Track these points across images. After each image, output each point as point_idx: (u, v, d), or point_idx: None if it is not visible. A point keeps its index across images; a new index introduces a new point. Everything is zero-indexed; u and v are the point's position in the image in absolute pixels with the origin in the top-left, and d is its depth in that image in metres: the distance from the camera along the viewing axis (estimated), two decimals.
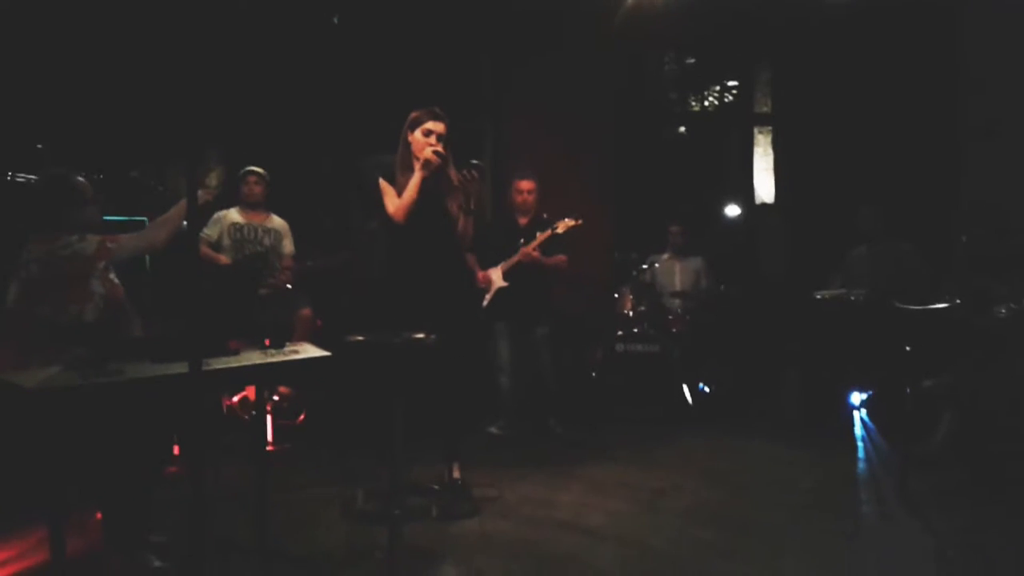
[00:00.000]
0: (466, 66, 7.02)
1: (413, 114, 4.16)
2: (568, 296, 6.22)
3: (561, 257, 5.59)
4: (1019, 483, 4.12)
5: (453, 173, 4.10)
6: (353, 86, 6.47)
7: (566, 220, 5.45)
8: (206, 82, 5.99)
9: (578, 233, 5.49)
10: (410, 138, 4.13)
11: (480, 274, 5.61)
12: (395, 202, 4.09)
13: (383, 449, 3.88)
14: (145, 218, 5.72)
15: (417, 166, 4.04)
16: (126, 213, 5.55)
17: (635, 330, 6.29)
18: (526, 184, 5.65)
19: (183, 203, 3.66)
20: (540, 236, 5.45)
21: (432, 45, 6.72)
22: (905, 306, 4.65)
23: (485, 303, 5.59)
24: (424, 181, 4.04)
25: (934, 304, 4.58)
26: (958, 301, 4.48)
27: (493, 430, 5.61)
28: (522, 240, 5.57)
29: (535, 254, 5.46)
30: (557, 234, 5.44)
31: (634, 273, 6.52)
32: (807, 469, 4.81)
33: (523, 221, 5.69)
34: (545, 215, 5.65)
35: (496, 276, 5.58)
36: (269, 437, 5.18)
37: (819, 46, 7.55)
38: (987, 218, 5.03)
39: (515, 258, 5.52)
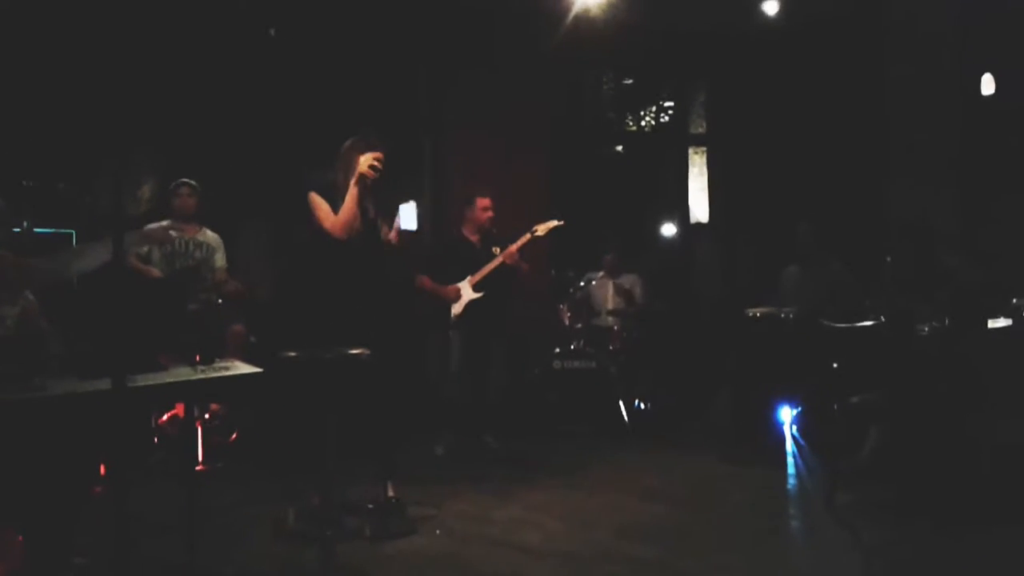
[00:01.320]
0: (403, 82, 7.01)
1: (352, 142, 4.16)
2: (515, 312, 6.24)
3: (526, 265, 5.65)
4: (942, 498, 4.23)
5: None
6: (289, 100, 6.40)
7: (544, 224, 5.51)
8: (138, 93, 5.88)
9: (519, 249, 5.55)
10: (360, 159, 4.11)
11: (450, 288, 5.60)
12: (331, 218, 4.06)
13: (316, 468, 3.83)
14: (73, 231, 5.58)
15: (353, 181, 4.03)
16: (52, 225, 5.41)
17: (572, 347, 6.32)
18: (486, 201, 5.68)
19: (109, 241, 3.55)
20: (522, 239, 5.49)
21: (370, 59, 6.69)
22: (832, 324, 4.77)
23: (456, 313, 5.58)
24: (364, 209, 4.07)
25: (860, 322, 4.71)
26: (883, 319, 4.61)
27: (439, 451, 5.57)
28: (482, 254, 5.61)
29: (518, 258, 5.49)
30: (537, 236, 5.49)
31: (571, 291, 6.56)
32: (739, 484, 4.87)
33: (474, 238, 5.72)
34: (494, 231, 5.69)
35: (465, 289, 5.58)
36: (199, 456, 5.07)
37: (752, 69, 7.74)
38: (912, 238, 5.19)
39: (494, 262, 5.52)
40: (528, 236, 5.50)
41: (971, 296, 4.55)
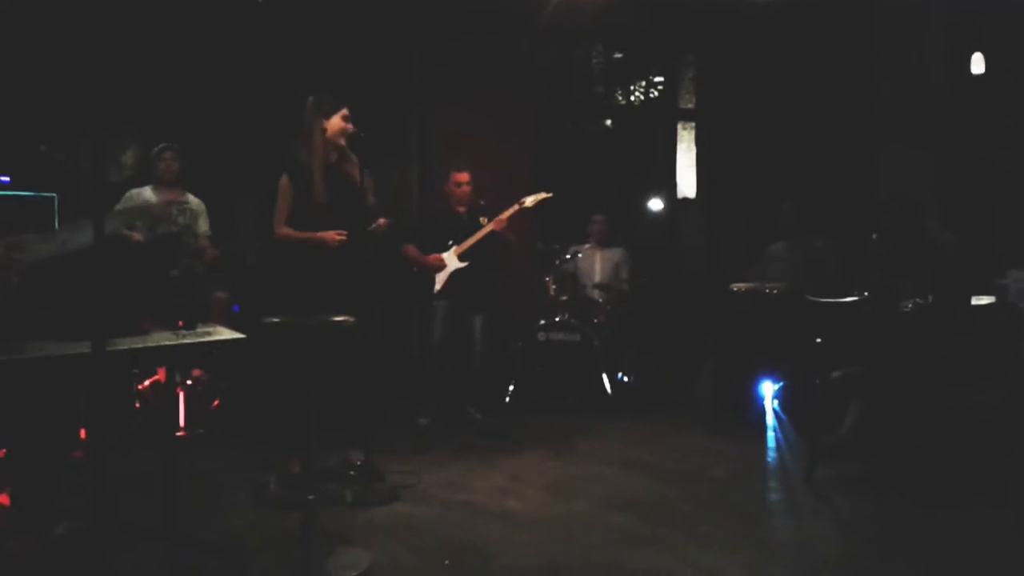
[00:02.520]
0: (393, 53, 6.93)
1: (316, 99, 4.16)
2: (500, 284, 6.24)
3: (513, 236, 5.65)
4: (921, 473, 4.27)
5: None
6: (277, 67, 6.33)
7: (533, 196, 5.51)
8: (124, 57, 5.80)
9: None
10: (326, 124, 4.09)
11: (433, 257, 5.59)
12: (281, 221, 4.21)
13: (297, 434, 3.82)
14: (54, 194, 5.51)
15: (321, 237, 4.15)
16: (34, 189, 5.34)
17: (557, 319, 6.32)
18: (463, 176, 5.69)
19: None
20: (510, 209, 5.50)
21: (359, 30, 6.61)
22: (816, 299, 4.78)
23: (438, 287, 5.58)
24: (333, 167, 4.17)
25: (844, 298, 4.72)
26: (866, 295, 4.62)
27: (423, 421, 5.58)
28: (469, 225, 5.61)
29: (504, 227, 5.49)
30: (525, 207, 5.50)
31: (557, 263, 6.55)
32: (721, 457, 4.90)
33: (461, 210, 5.72)
34: (482, 202, 5.69)
35: (450, 259, 5.57)
36: (181, 422, 5.05)
37: (742, 44, 7.70)
38: (899, 215, 5.19)
39: (481, 232, 5.52)
40: (516, 207, 5.50)
41: (955, 274, 4.56)
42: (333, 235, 4.13)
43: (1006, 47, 6.56)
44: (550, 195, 5.55)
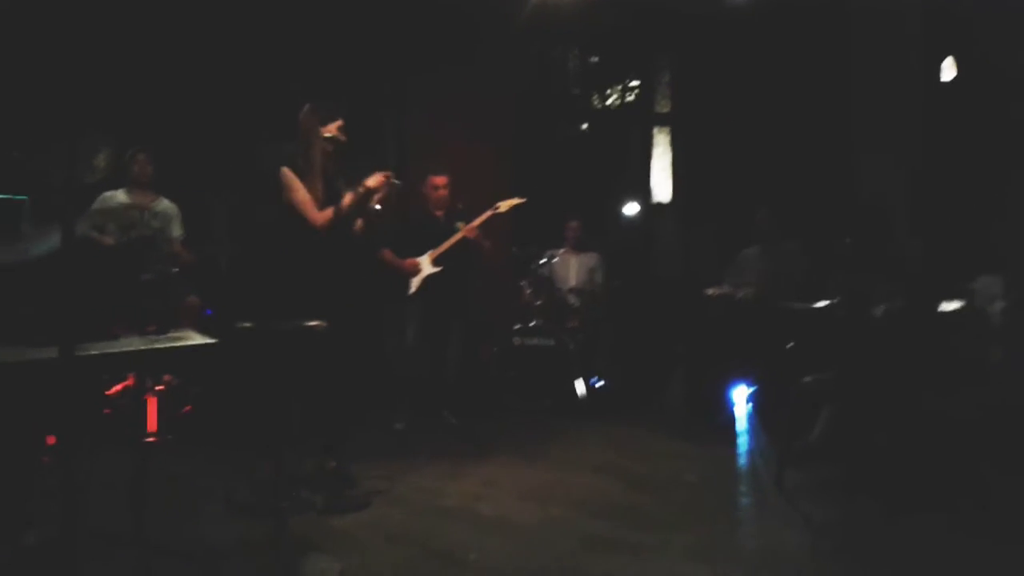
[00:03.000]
0: (369, 55, 6.91)
1: (313, 107, 4.12)
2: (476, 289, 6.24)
3: (488, 242, 5.66)
4: (890, 477, 4.31)
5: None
6: (250, 69, 6.30)
7: (507, 201, 5.51)
8: (97, 60, 5.75)
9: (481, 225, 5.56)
10: (322, 131, 4.08)
11: (409, 261, 5.59)
12: (313, 211, 4.07)
13: (269, 440, 3.81)
14: (25, 196, 5.45)
15: (361, 190, 4.06)
16: (4, 191, 5.28)
17: (531, 324, 6.33)
18: (440, 180, 5.69)
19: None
20: (484, 215, 5.51)
21: (335, 31, 6.59)
22: (788, 304, 4.82)
23: (412, 291, 5.57)
24: (329, 178, 4.11)
25: (816, 303, 4.76)
26: (838, 300, 4.66)
27: (398, 426, 5.56)
28: (446, 229, 5.61)
29: (477, 234, 5.50)
30: (499, 213, 5.51)
31: (532, 267, 6.56)
32: (693, 462, 4.93)
33: (438, 214, 5.72)
34: (460, 206, 5.68)
35: (425, 263, 5.56)
36: (151, 428, 5.01)
37: (718, 50, 7.74)
38: (872, 221, 5.25)
39: (455, 237, 5.52)
40: (490, 212, 5.51)
41: (924, 278, 4.62)
42: (380, 178, 4.11)
43: (980, 54, 6.64)
44: (524, 200, 5.56)
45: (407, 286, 5.59)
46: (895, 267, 4.77)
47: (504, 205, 5.52)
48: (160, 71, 6.06)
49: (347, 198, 4.19)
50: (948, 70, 6.81)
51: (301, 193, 4.07)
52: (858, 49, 7.15)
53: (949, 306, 4.81)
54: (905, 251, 5.05)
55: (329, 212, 4.07)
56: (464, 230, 5.50)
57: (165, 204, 5.59)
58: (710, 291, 6.09)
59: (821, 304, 4.77)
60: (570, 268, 6.93)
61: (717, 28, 7.56)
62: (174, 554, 3.41)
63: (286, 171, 4.09)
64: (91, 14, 5.69)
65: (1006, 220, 5.75)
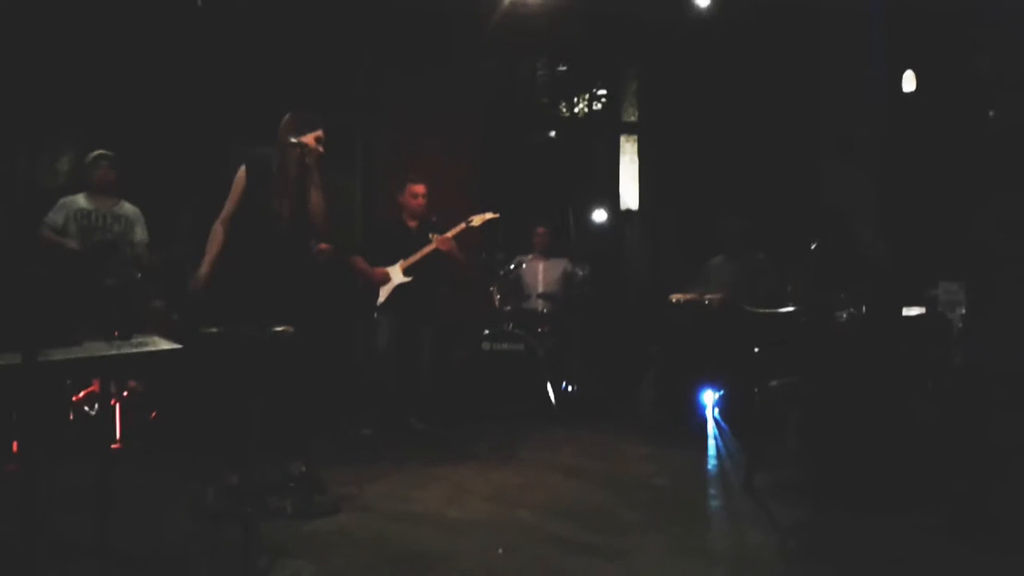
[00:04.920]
0: (340, 62, 6.88)
1: (294, 116, 4.11)
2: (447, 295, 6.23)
3: (461, 255, 5.70)
4: (856, 480, 4.36)
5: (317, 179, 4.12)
6: (221, 75, 6.25)
7: (480, 215, 5.53)
8: (61, 63, 5.68)
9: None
10: (300, 141, 4.06)
11: (379, 270, 5.59)
12: (226, 211, 4.15)
13: (236, 446, 3.77)
14: None
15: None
16: None
17: (501, 329, 6.33)
18: (420, 188, 5.70)
19: None
20: (457, 227, 5.54)
21: (307, 38, 6.56)
22: (754, 310, 4.87)
23: (382, 299, 5.56)
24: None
25: (781, 309, 4.82)
26: (802, 306, 4.72)
27: (366, 431, 5.53)
28: (418, 239, 5.63)
29: (453, 245, 5.53)
30: (472, 227, 5.53)
31: (501, 273, 6.56)
32: (662, 465, 4.96)
33: (412, 224, 5.71)
34: (434, 219, 5.68)
35: (395, 273, 5.55)
36: (117, 434, 4.93)
37: (685, 59, 7.82)
38: (834, 227, 5.32)
39: (427, 248, 5.53)
40: (463, 225, 5.54)
41: (886, 285, 4.69)
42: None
43: (939, 66, 6.78)
44: (496, 215, 5.59)
45: (376, 294, 5.58)
46: (860, 271, 4.84)
47: (477, 219, 5.55)
48: (128, 75, 6.00)
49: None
50: (908, 82, 6.94)
51: (231, 199, 4.12)
52: (825, 57, 7.27)
53: (911, 312, 4.89)
54: (871, 253, 5.11)
55: (217, 229, 4.16)
56: (436, 242, 5.52)
57: (127, 208, 5.52)
58: (675, 297, 6.14)
59: (786, 310, 4.82)
60: (538, 274, 6.94)
61: (683, 38, 7.64)
62: (135, 563, 3.36)
63: (240, 171, 4.10)
64: (56, 18, 5.63)
65: (971, 225, 5.86)
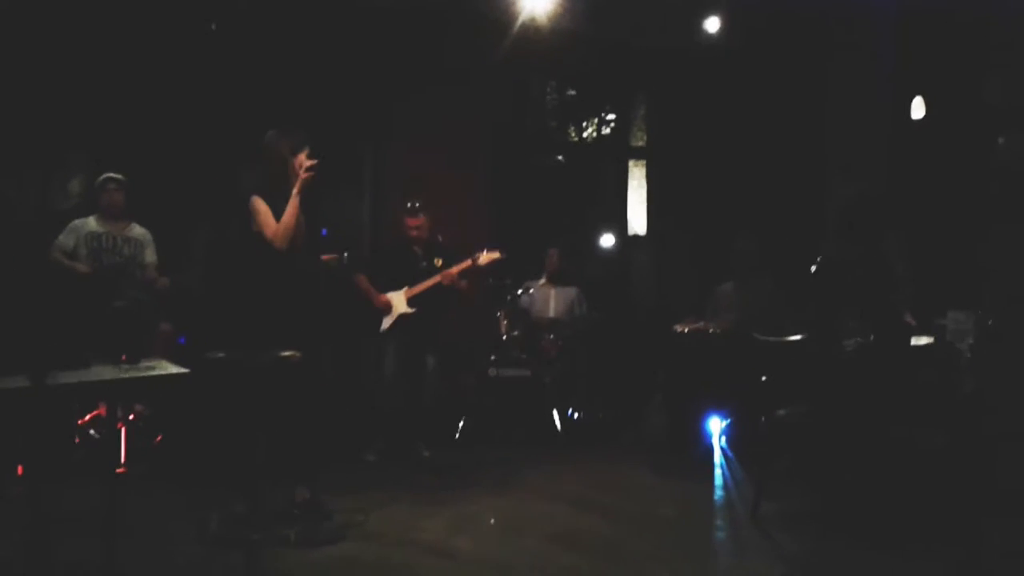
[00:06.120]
0: (348, 85, 6.93)
1: (280, 133, 4.12)
2: (450, 320, 6.22)
3: (464, 284, 5.68)
4: (863, 510, 4.33)
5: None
6: (227, 97, 6.29)
7: (487, 253, 5.54)
8: (73, 86, 5.73)
9: (458, 257, 5.62)
10: (287, 158, 4.08)
11: (382, 298, 5.58)
12: (272, 226, 4.03)
13: (242, 471, 3.76)
14: None
15: (295, 189, 4.00)
16: None
17: (508, 355, 6.32)
18: (414, 222, 5.69)
19: None
20: (460, 265, 5.53)
21: (315, 61, 6.61)
22: (762, 337, 4.85)
23: (386, 327, 5.55)
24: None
25: (790, 336, 4.80)
26: (810, 334, 4.69)
27: (370, 457, 5.52)
28: (424, 264, 5.66)
29: (457, 280, 5.52)
30: (478, 265, 5.53)
31: (509, 298, 6.56)
32: (669, 495, 4.92)
33: (416, 248, 5.73)
34: (440, 238, 5.70)
35: (399, 301, 5.55)
36: (122, 458, 4.93)
37: (693, 85, 7.85)
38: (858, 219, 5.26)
39: (432, 280, 5.54)
40: (468, 263, 5.54)
41: (895, 313, 4.66)
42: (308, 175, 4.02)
43: (947, 93, 6.79)
44: (503, 256, 5.59)
45: (376, 314, 5.58)
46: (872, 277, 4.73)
47: (483, 259, 5.54)
48: (139, 97, 6.04)
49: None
50: (917, 109, 6.96)
51: (262, 214, 4.06)
52: (832, 84, 7.29)
53: (920, 341, 4.87)
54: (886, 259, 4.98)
55: (277, 225, 4.02)
56: (441, 277, 5.51)
57: (137, 230, 5.55)
58: (679, 327, 6.13)
59: (794, 338, 4.80)
60: (549, 300, 6.92)
61: (691, 63, 7.67)
62: None
63: (255, 199, 4.09)
64: (66, 41, 5.68)
65: (981, 254, 5.84)
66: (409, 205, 5.76)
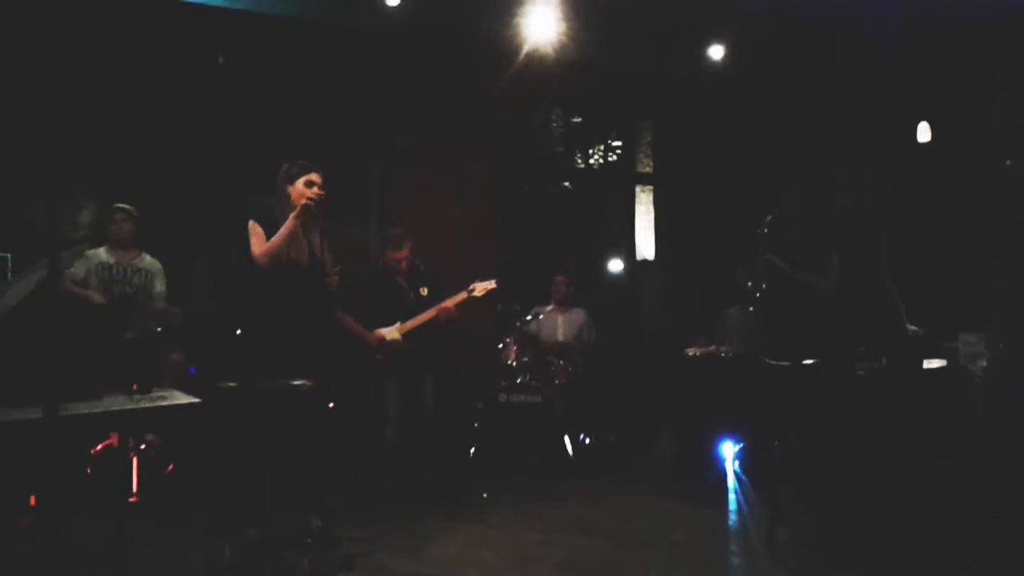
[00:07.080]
0: (356, 113, 6.99)
1: (287, 166, 4.17)
2: (450, 346, 6.20)
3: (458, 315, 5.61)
4: (878, 534, 4.30)
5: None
6: (236, 125, 6.35)
7: (483, 284, 5.48)
8: (82, 116, 5.79)
9: (442, 282, 5.60)
10: (289, 189, 4.12)
11: (374, 336, 5.48)
12: (261, 245, 4.05)
13: (253, 501, 3.75)
14: (8, 254, 5.43)
15: (294, 214, 4.03)
16: None
17: (518, 380, 6.31)
18: (401, 254, 5.58)
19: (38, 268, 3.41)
20: (458, 296, 5.46)
21: (323, 90, 6.68)
22: (773, 362, 4.84)
23: (380, 356, 5.51)
24: (299, 228, 4.06)
25: (802, 361, 4.79)
26: (822, 359, 4.68)
27: (380, 487, 5.48)
28: (412, 295, 5.59)
29: (454, 312, 5.45)
30: (474, 296, 5.47)
31: (518, 324, 6.56)
32: (681, 520, 4.89)
33: (400, 280, 5.65)
34: (422, 267, 5.67)
35: (391, 336, 5.49)
36: (134, 488, 4.93)
37: (699, 111, 7.90)
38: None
39: (427, 315, 5.45)
40: (465, 294, 5.46)
41: (906, 338, 4.65)
42: (309, 202, 4.05)
43: (951, 117, 6.81)
44: (497, 287, 5.53)
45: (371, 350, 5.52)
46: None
47: (479, 289, 5.46)
48: (147, 127, 6.10)
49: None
50: (923, 133, 6.98)
51: (256, 235, 4.09)
52: (835, 109, 7.32)
53: (931, 364, 4.86)
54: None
55: (264, 245, 4.05)
56: (437, 311, 5.44)
57: (148, 260, 5.58)
58: (691, 351, 6.11)
59: (806, 362, 4.79)
60: (557, 325, 6.93)
61: (697, 91, 7.72)
62: None
63: (252, 223, 4.12)
64: (77, 70, 5.75)
65: (993, 277, 5.83)
66: (392, 236, 5.65)
